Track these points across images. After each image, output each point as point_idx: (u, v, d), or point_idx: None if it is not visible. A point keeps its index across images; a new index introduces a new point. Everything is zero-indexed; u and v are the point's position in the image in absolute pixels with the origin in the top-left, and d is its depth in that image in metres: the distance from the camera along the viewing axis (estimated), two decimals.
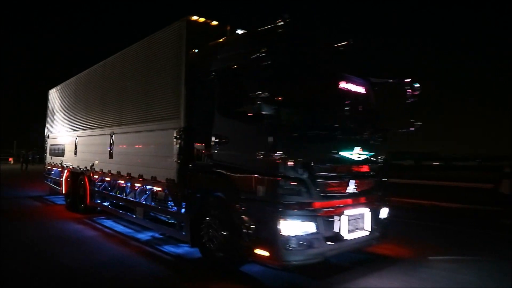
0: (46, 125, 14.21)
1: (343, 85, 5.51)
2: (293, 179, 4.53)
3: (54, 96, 13.62)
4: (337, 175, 5.06)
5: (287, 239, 4.41)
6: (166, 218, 6.90)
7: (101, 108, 9.42)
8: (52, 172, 13.37)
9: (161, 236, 7.48)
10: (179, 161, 6.03)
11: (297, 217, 4.49)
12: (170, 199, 6.51)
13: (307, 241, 4.53)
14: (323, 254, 4.72)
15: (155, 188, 7.00)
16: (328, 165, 4.94)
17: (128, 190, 8.29)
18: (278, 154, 4.52)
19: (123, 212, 8.37)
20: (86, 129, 10.24)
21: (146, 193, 7.42)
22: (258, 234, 4.63)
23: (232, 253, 5.06)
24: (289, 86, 4.77)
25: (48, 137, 13.97)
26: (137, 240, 7.26)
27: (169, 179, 6.25)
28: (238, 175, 4.95)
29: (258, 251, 4.62)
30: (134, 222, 8.20)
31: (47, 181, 13.82)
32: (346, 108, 5.46)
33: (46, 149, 14.10)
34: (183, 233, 6.00)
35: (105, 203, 9.40)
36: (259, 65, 4.55)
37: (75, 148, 10.89)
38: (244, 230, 4.75)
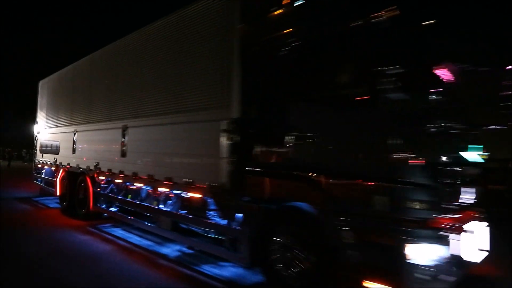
0: (36, 120, 12.43)
1: (446, 69, 4.28)
2: (424, 188, 3.25)
3: (46, 88, 11.87)
4: (461, 181, 3.81)
5: (417, 268, 3.13)
6: (202, 231, 5.48)
7: (110, 99, 7.87)
8: (43, 171, 11.65)
9: (190, 251, 6.05)
10: (232, 161, 4.63)
11: (426, 239, 3.20)
12: (213, 208, 5.11)
13: (437, 270, 3.26)
14: (451, 284, 3.46)
15: (189, 194, 5.57)
16: (456, 168, 3.69)
17: (146, 195, 6.83)
18: (404, 153, 3.22)
19: (138, 220, 6.87)
20: (89, 123, 8.65)
21: (174, 200, 5.97)
22: (370, 261, 3.33)
23: (320, 283, 3.73)
24: (414, 63, 3.48)
25: (38, 132, 12.19)
26: (165, 257, 5.78)
27: (215, 184, 4.85)
28: (336, 180, 3.62)
29: (370, 284, 3.30)
30: (147, 231, 6.74)
31: (37, 181, 12.06)
32: (455, 98, 4.23)
33: (35, 146, 12.32)
34: (234, 252, 4.63)
35: (113, 209, 7.87)
36: (374, 32, 3.29)
37: (74, 144, 9.27)
38: (344, 255, 3.44)
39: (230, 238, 4.72)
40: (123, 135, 7.13)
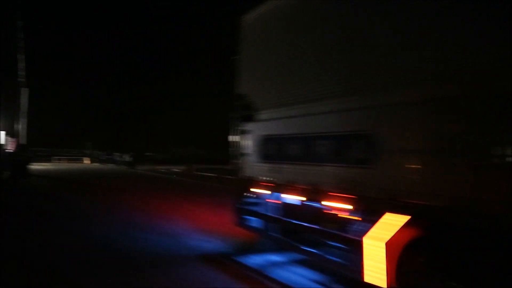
0: (241, 93, 5.75)
1: None
2: None
3: (282, 25, 5.13)
4: None
5: None
6: None
7: None
8: (275, 206, 4.87)
9: None
10: None
11: None
12: None
13: None
14: None
15: None
16: None
17: None
18: None
19: None
20: None
21: None
22: None
23: None
24: None
25: (248, 117, 5.46)
26: None
27: None
28: None
29: None
30: None
31: (248, 224, 5.35)
32: None
33: (240, 146, 5.62)
34: None
35: None
36: None
37: None
38: None
39: None
40: None
